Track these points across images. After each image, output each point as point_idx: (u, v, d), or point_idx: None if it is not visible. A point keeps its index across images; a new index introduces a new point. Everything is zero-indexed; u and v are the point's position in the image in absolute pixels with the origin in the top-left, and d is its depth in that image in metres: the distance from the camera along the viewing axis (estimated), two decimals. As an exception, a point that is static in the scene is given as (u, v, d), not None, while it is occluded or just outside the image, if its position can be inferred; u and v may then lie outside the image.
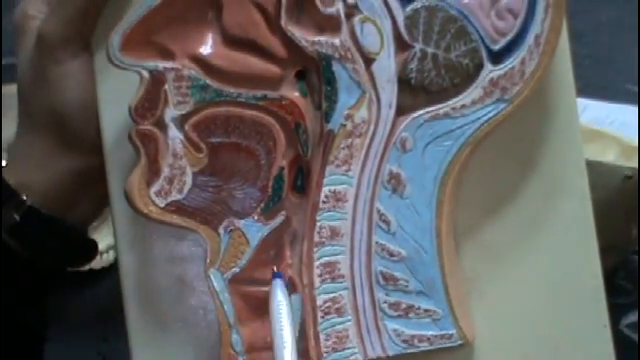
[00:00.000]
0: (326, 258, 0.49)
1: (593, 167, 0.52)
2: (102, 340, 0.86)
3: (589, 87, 0.80)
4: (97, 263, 0.87)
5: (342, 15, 0.48)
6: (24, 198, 0.55)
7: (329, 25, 0.48)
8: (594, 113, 0.80)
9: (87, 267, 0.86)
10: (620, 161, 0.75)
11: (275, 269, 0.49)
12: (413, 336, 0.48)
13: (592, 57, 0.91)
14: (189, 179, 0.49)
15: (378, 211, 0.48)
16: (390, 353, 0.48)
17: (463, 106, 0.48)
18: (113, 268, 0.86)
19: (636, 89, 0.89)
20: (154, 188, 0.49)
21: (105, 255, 0.88)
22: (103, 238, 0.84)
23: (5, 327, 0.58)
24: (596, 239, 0.50)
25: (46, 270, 0.58)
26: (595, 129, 0.78)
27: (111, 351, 0.86)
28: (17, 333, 0.59)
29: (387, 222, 0.48)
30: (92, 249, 0.60)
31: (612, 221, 0.70)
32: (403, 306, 0.48)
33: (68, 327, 0.85)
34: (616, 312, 0.52)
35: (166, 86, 0.49)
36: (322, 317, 0.49)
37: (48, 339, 0.61)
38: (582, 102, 0.75)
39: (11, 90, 0.61)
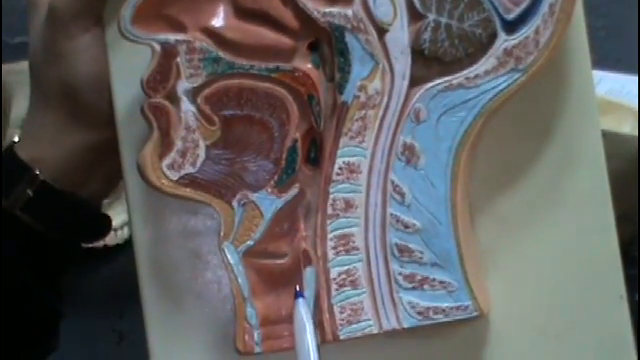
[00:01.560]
0: (340, 230, 0.49)
1: (609, 138, 0.51)
2: (118, 317, 0.87)
3: (604, 59, 0.79)
4: (111, 240, 0.88)
5: (354, -14, 0.48)
6: (37, 173, 0.55)
7: (341, -4, 0.48)
8: (609, 85, 0.80)
9: (102, 244, 0.87)
10: (636, 132, 0.75)
11: (297, 288, 0.48)
12: (428, 308, 0.48)
13: (607, 29, 0.91)
14: (202, 152, 0.49)
15: (392, 182, 0.48)
16: (405, 325, 0.48)
17: (477, 76, 0.47)
18: (128, 245, 0.86)
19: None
20: (167, 161, 0.48)
21: (120, 232, 0.88)
22: (117, 215, 0.85)
23: (22, 304, 0.58)
24: (612, 210, 0.50)
25: (62, 247, 0.58)
26: (611, 100, 0.77)
27: (126, 328, 0.86)
28: (33, 310, 0.59)
29: (401, 194, 0.48)
30: (106, 224, 0.60)
31: (628, 192, 0.69)
32: (418, 278, 0.48)
33: (84, 304, 0.85)
34: (631, 284, 0.51)
35: (178, 59, 0.48)
36: (336, 290, 0.48)
37: (64, 316, 0.61)
38: (598, 74, 0.75)
39: (23, 67, 0.61)
